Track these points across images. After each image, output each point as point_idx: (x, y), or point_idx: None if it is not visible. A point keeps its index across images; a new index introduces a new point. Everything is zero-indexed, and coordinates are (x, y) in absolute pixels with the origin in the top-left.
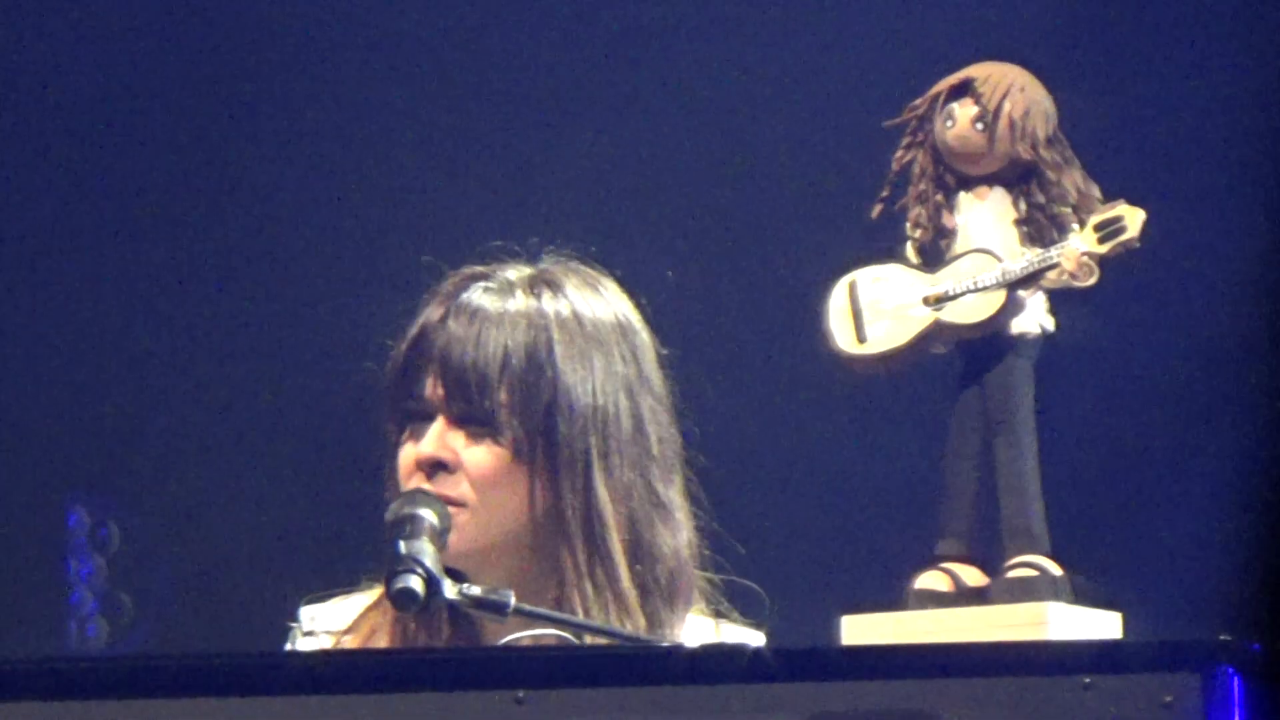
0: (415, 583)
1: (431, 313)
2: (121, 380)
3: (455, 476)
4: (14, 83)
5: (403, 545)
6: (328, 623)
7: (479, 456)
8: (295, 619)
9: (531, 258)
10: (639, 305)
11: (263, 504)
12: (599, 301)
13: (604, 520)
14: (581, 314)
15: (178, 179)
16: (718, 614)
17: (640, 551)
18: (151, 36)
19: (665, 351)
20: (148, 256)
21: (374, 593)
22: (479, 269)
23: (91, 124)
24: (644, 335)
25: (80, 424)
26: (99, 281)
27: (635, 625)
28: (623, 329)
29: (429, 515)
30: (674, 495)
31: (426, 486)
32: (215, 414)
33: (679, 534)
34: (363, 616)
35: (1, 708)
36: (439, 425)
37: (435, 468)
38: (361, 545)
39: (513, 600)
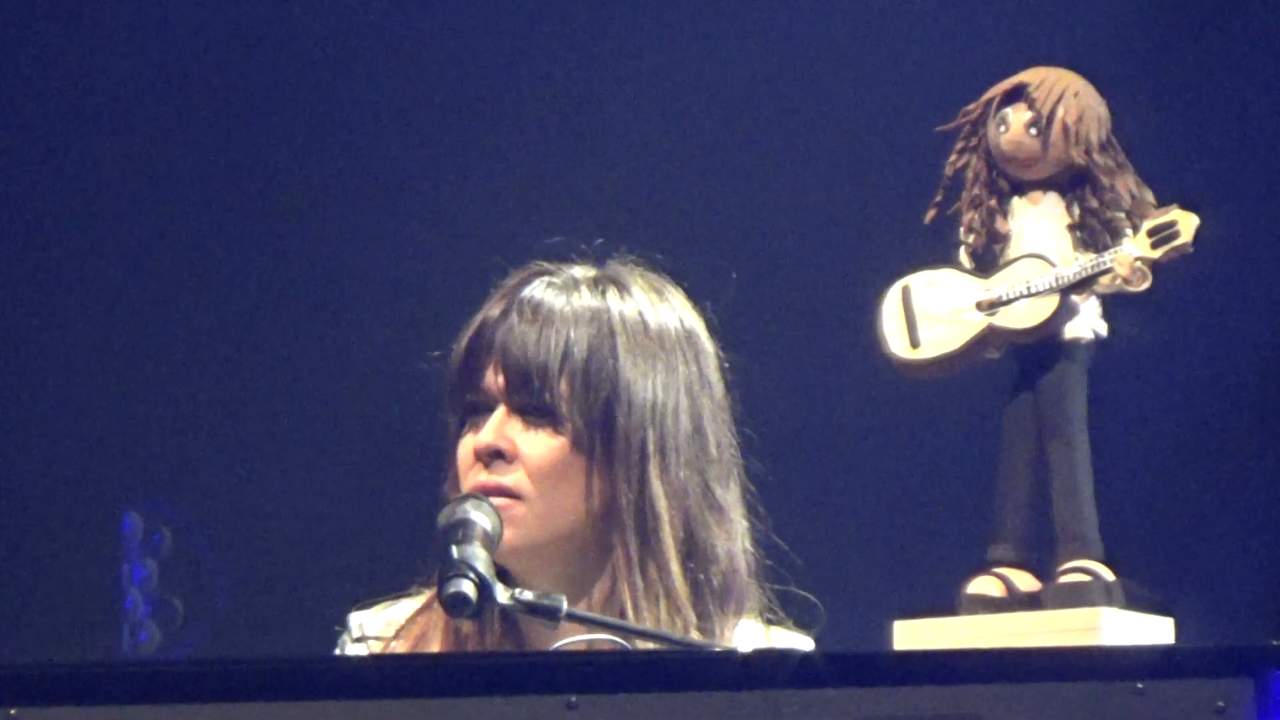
0: (468, 587)
1: (493, 307)
2: (176, 387)
3: (513, 466)
4: (69, 91)
5: (455, 550)
6: (376, 629)
7: (538, 446)
8: (343, 626)
9: (597, 259)
10: (703, 313)
11: (315, 509)
12: (664, 306)
13: (658, 515)
14: (646, 316)
15: (239, 186)
16: (769, 620)
17: (694, 550)
18: (218, 42)
19: (727, 362)
20: (206, 264)
21: (421, 598)
22: (543, 266)
23: (156, 129)
24: (707, 343)
25: (134, 430)
26: (156, 289)
27: (685, 621)
28: (686, 334)
29: (482, 520)
30: (730, 499)
31: (484, 476)
32: (269, 420)
33: (734, 537)
34: (411, 620)
35: (55, 712)
36: (499, 415)
37: (493, 457)
38: (413, 551)
39: (564, 605)
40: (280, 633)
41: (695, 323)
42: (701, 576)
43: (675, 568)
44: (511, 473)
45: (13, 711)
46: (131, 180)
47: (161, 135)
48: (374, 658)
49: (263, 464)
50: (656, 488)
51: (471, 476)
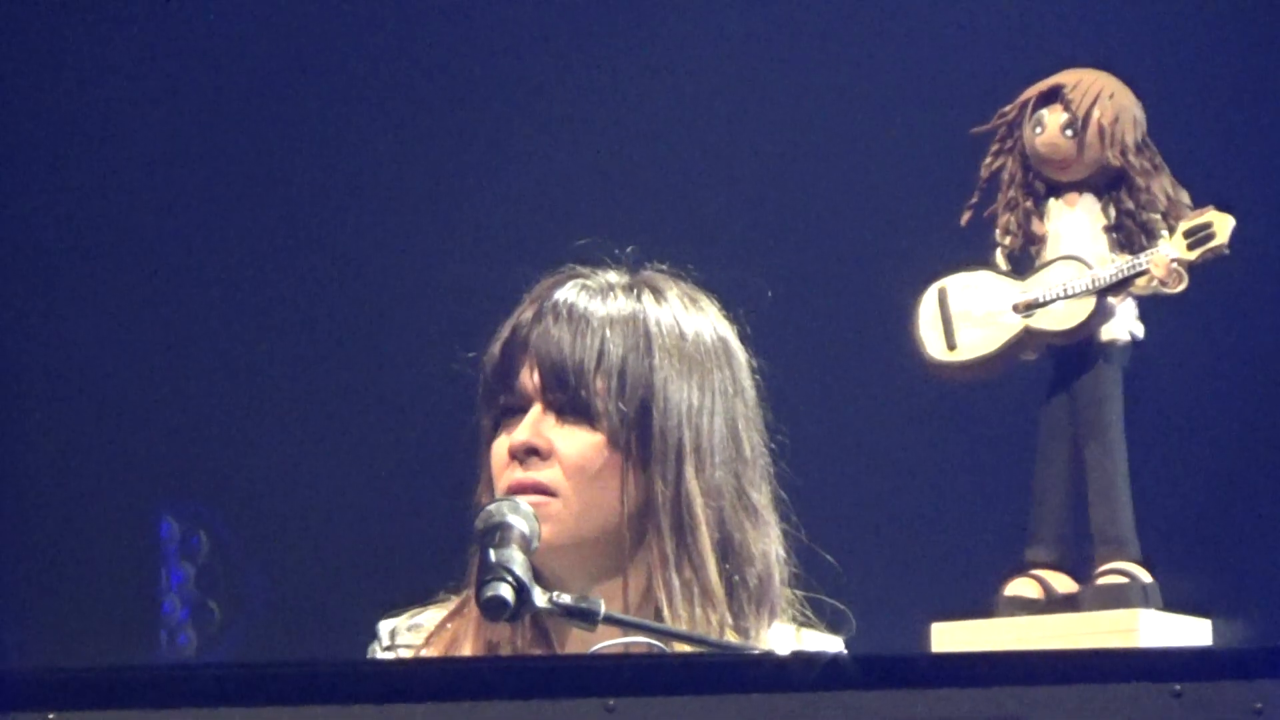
0: (505, 591)
1: (528, 309)
2: (214, 390)
3: (549, 463)
4: (88, 90)
5: (493, 553)
6: (406, 637)
7: (574, 444)
8: (373, 634)
9: (631, 267)
10: (736, 321)
11: (353, 514)
12: (699, 315)
13: (694, 513)
14: (681, 322)
15: (273, 191)
16: (800, 624)
17: (729, 550)
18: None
19: (759, 372)
20: (242, 267)
21: (450, 605)
22: (578, 269)
23: (192, 125)
24: (740, 353)
25: (172, 433)
26: (193, 292)
27: (720, 619)
28: (721, 342)
29: (519, 523)
30: (763, 502)
31: (520, 474)
32: (306, 424)
33: (769, 541)
34: (441, 626)
35: (95, 716)
36: (534, 413)
37: (529, 454)
38: (447, 558)
39: (602, 608)
40: (316, 636)
41: (728, 332)
42: (736, 577)
43: (711, 566)
44: (547, 470)
45: (52, 716)
46: (170, 184)
47: (201, 134)
48: (411, 661)
49: (301, 467)
50: (693, 486)
51: (507, 475)
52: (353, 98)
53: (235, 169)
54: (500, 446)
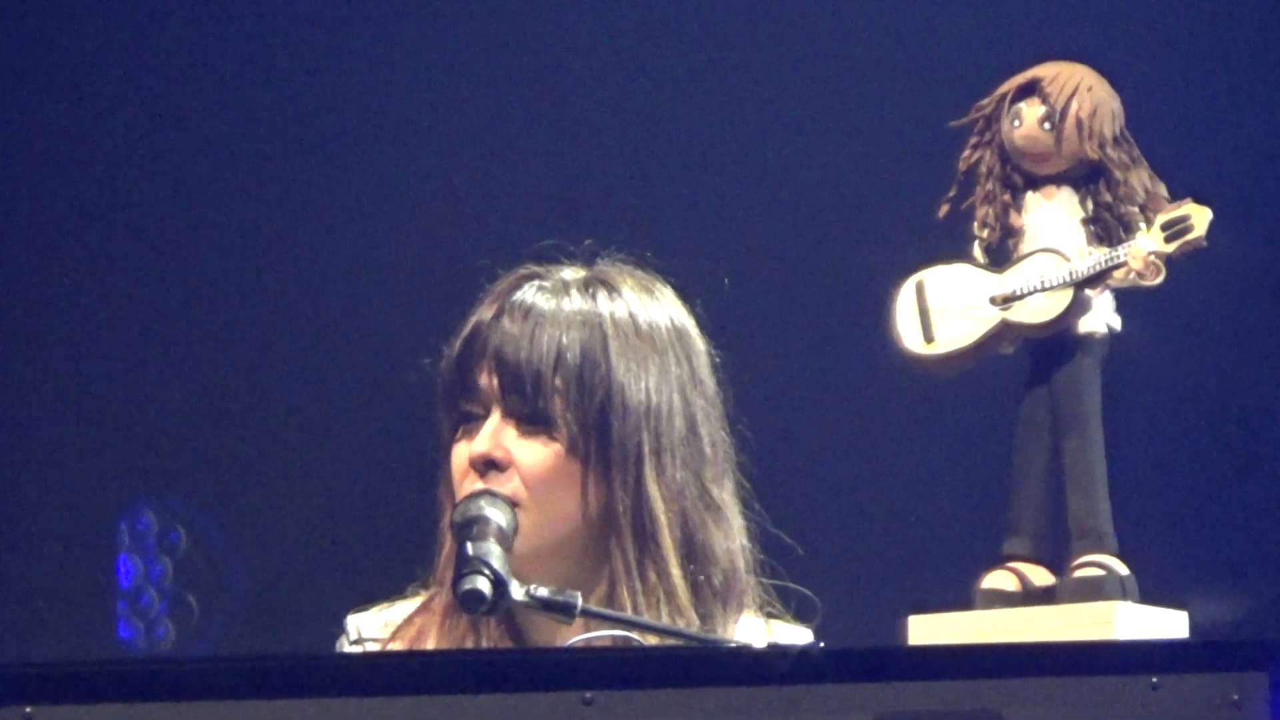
0: (483, 584)
1: (485, 311)
2: (191, 385)
3: (508, 474)
4: (73, 84)
5: (470, 547)
6: (373, 631)
7: (533, 454)
8: (341, 629)
9: (587, 260)
10: (694, 311)
11: (330, 509)
12: (654, 305)
13: (655, 518)
14: (637, 316)
15: (239, 183)
16: (768, 614)
17: (693, 551)
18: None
19: (719, 358)
20: (216, 263)
21: (418, 600)
22: (534, 269)
23: (161, 122)
24: (698, 341)
25: (150, 428)
26: (169, 287)
27: (688, 623)
28: (678, 333)
29: (496, 517)
30: (727, 498)
31: (480, 486)
32: (284, 419)
33: (732, 536)
34: (408, 621)
35: (72, 710)
36: (493, 423)
37: (488, 466)
38: (426, 553)
39: (579, 601)
40: (293, 630)
41: (686, 321)
42: (701, 577)
43: (674, 570)
44: (508, 482)
45: (28, 709)
46: (143, 175)
47: (168, 132)
48: (390, 655)
49: (271, 463)
50: (653, 490)
51: (467, 486)
52: (311, 96)
53: (198, 160)
54: (460, 454)
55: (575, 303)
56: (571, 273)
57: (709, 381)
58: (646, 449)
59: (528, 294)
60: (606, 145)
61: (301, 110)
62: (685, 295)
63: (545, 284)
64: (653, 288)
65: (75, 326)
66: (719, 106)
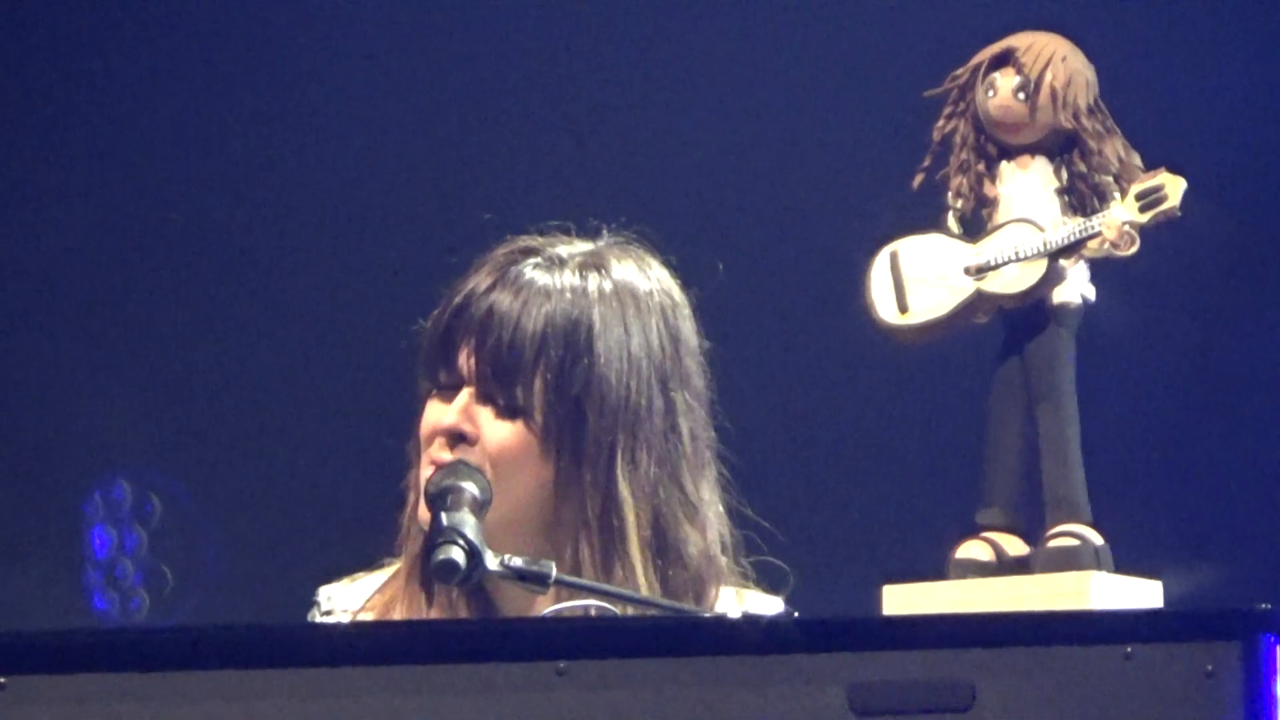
0: (457, 554)
1: (479, 281)
2: (166, 356)
3: (474, 449)
4: (69, 83)
5: (444, 517)
6: (345, 602)
7: (502, 434)
8: (313, 600)
9: (591, 237)
10: (687, 290)
11: (304, 480)
12: (643, 281)
13: (622, 516)
14: (622, 290)
15: (224, 156)
16: (740, 585)
17: (664, 548)
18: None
19: (709, 342)
20: (192, 234)
21: (389, 571)
22: (531, 243)
23: (133, 112)
24: (686, 323)
25: (125, 398)
26: (148, 259)
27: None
28: (663, 310)
29: (471, 487)
30: (704, 493)
31: (445, 455)
32: (257, 390)
33: (707, 532)
34: (378, 591)
35: (46, 680)
36: (466, 397)
37: (456, 439)
38: (394, 525)
39: (554, 571)
40: (267, 601)
41: (676, 297)
42: (670, 572)
43: (639, 569)
44: (471, 455)
45: (2, 680)
46: (132, 155)
47: (141, 118)
48: (362, 624)
49: (245, 434)
50: (622, 489)
51: (434, 450)
52: (309, 85)
53: (185, 141)
54: (431, 417)
55: (566, 280)
56: (567, 249)
57: (693, 367)
58: (620, 447)
59: (524, 270)
60: (598, 126)
61: (294, 93)
62: (681, 276)
63: (540, 260)
64: (647, 266)
65: (51, 298)
66: (691, 77)
